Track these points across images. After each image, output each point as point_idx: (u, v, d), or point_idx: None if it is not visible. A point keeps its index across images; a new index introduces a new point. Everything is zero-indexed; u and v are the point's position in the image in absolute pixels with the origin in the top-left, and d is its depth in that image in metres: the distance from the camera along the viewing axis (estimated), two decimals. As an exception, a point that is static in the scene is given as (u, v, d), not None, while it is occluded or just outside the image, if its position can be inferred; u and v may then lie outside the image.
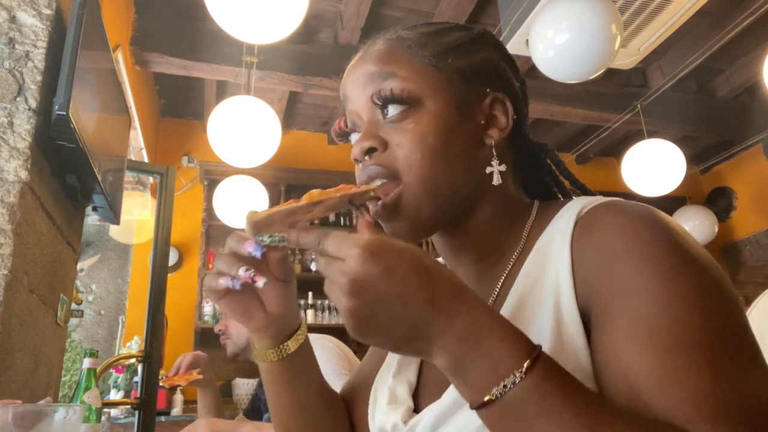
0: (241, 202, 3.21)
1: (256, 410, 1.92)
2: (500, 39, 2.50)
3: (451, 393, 0.54)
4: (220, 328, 1.85)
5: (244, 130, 2.50)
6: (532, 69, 2.43)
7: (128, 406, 2.59)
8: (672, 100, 3.72)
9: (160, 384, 1.84)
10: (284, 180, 4.01)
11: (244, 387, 3.52)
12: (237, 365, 3.62)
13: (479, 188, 0.60)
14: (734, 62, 3.74)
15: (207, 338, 3.64)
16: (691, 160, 4.47)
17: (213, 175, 3.84)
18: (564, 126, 4.32)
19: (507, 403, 0.41)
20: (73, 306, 2.27)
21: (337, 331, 3.19)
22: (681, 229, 0.50)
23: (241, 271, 0.54)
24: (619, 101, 3.68)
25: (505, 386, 0.41)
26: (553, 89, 3.45)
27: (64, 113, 1.23)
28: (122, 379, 3.15)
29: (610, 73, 3.50)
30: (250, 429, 1.44)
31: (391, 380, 0.66)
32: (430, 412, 0.56)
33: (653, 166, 3.38)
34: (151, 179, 3.77)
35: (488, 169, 0.60)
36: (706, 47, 3.11)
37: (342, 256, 0.45)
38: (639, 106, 3.60)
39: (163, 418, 3.00)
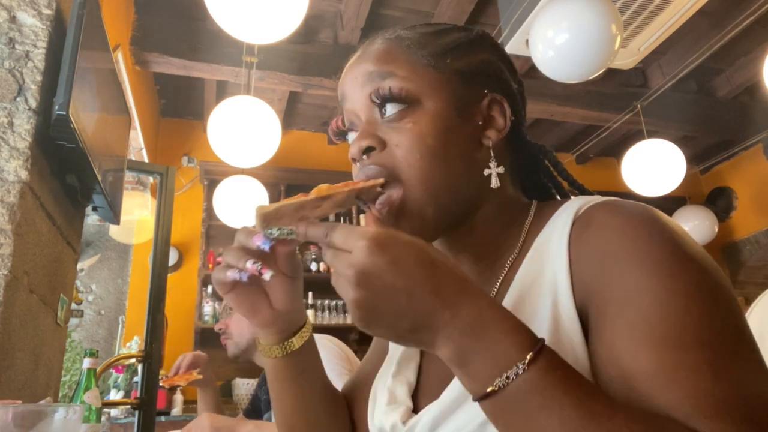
0: (241, 202, 3.21)
1: (256, 410, 1.92)
2: (500, 39, 2.51)
3: (450, 393, 0.55)
4: (220, 326, 1.85)
5: (244, 130, 2.50)
6: (532, 69, 2.43)
7: (128, 406, 2.59)
8: (672, 100, 3.73)
9: (160, 384, 1.84)
10: (284, 180, 4.01)
11: (244, 387, 3.52)
12: (237, 365, 3.62)
13: (478, 189, 0.60)
14: (734, 62, 3.74)
15: (207, 338, 3.64)
16: (691, 160, 4.47)
17: (213, 175, 3.84)
18: (564, 126, 4.32)
19: (509, 395, 0.41)
20: (73, 306, 2.27)
21: (337, 331, 3.20)
22: (679, 228, 0.50)
23: (249, 264, 0.55)
24: (619, 101, 3.68)
25: (507, 377, 0.41)
26: (553, 89, 3.45)
27: (64, 113, 1.23)
28: (122, 379, 3.15)
29: (610, 73, 3.50)
30: (250, 428, 1.44)
31: (391, 381, 0.66)
32: (429, 412, 0.56)
33: (653, 166, 3.38)
34: (151, 179, 3.77)
35: (486, 171, 0.60)
36: (706, 47, 3.11)
37: (349, 248, 0.45)
38: (639, 106, 3.60)
39: (163, 418, 3.00)
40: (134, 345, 3.26)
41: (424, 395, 0.63)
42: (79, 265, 2.41)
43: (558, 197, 0.69)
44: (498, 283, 0.60)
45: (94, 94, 1.49)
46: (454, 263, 0.47)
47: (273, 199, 3.57)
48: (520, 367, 0.41)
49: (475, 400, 0.44)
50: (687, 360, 0.42)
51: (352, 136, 0.65)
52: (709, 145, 4.72)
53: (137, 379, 2.78)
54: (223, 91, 3.77)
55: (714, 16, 3.05)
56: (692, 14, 2.34)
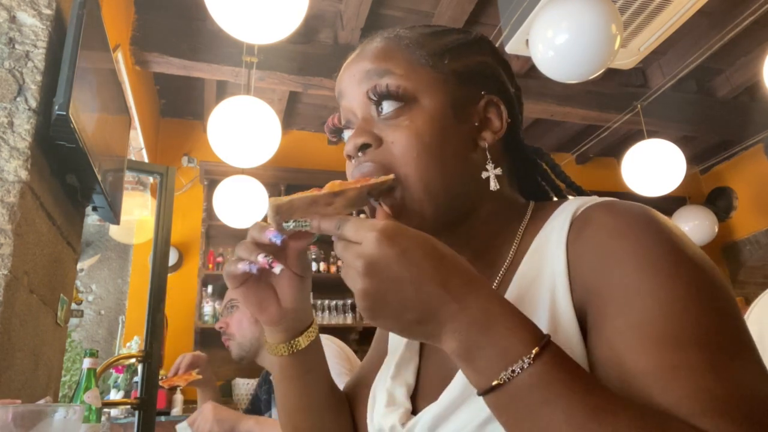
0: (241, 202, 3.21)
1: (256, 410, 1.92)
2: (500, 39, 2.51)
3: (449, 394, 0.55)
4: (221, 325, 1.85)
5: (244, 130, 2.50)
6: (532, 69, 2.44)
7: (128, 406, 2.59)
8: (672, 100, 3.73)
9: (159, 384, 1.84)
10: (284, 180, 4.01)
11: (244, 387, 3.53)
12: (237, 365, 3.61)
13: (474, 190, 0.61)
14: (734, 62, 3.74)
15: (207, 338, 3.64)
16: (691, 160, 4.47)
17: (213, 175, 3.84)
18: (564, 126, 4.32)
19: (514, 389, 0.42)
20: (73, 306, 2.27)
21: (337, 331, 3.20)
22: (676, 228, 0.51)
23: (260, 258, 0.55)
24: (619, 101, 3.68)
25: (513, 371, 0.41)
26: (553, 89, 3.45)
27: (64, 113, 1.23)
28: (122, 379, 3.15)
29: (610, 73, 3.50)
30: (251, 423, 1.44)
31: (389, 382, 0.66)
32: (428, 413, 0.56)
33: (653, 166, 3.38)
34: (151, 179, 3.77)
35: (484, 174, 0.60)
36: (706, 47, 3.11)
37: (359, 240, 0.46)
38: (639, 106, 3.60)
39: (163, 418, 3.01)
40: (134, 345, 3.26)
41: (422, 397, 0.63)
42: (79, 265, 2.41)
43: (555, 198, 0.69)
44: (496, 283, 0.61)
45: (94, 94, 1.49)
46: (462, 258, 0.47)
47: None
48: (526, 361, 0.41)
49: (479, 394, 0.44)
50: (686, 360, 0.42)
51: (347, 134, 0.65)
52: (709, 145, 4.72)
53: (137, 379, 2.78)
54: (223, 91, 3.77)
55: (714, 16, 3.05)
56: (692, 14, 2.34)
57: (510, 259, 0.61)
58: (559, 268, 0.52)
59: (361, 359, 0.90)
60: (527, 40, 2.23)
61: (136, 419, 1.79)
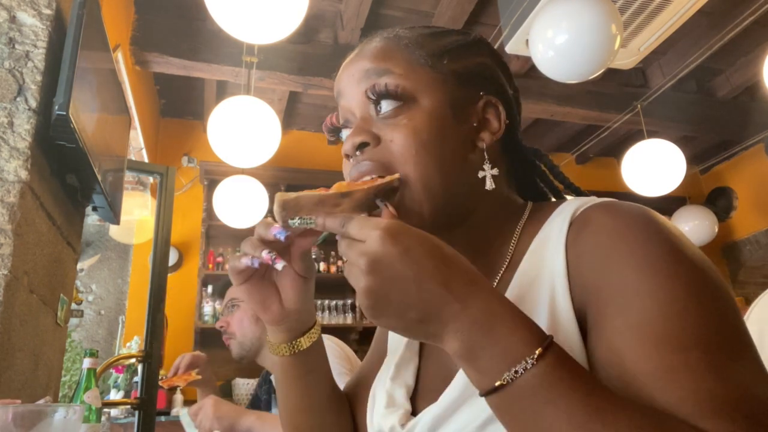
0: (241, 202, 3.21)
1: (256, 410, 1.92)
2: (500, 39, 2.51)
3: (449, 395, 0.55)
4: (221, 324, 1.85)
5: (244, 130, 2.50)
6: (532, 69, 2.44)
7: (128, 406, 2.59)
8: (672, 100, 3.72)
9: (159, 384, 1.84)
10: (284, 180, 4.01)
11: (244, 387, 3.52)
12: (237, 365, 3.62)
13: (472, 190, 0.61)
14: (734, 62, 3.74)
15: (207, 338, 3.64)
16: (691, 160, 4.47)
17: (213, 175, 3.84)
18: (564, 126, 4.32)
19: (517, 389, 0.41)
20: (73, 306, 2.27)
21: (337, 331, 3.20)
22: (675, 229, 0.51)
23: (264, 253, 0.56)
24: (619, 101, 3.68)
25: (516, 372, 0.41)
26: (553, 89, 3.45)
27: (64, 113, 1.23)
28: (122, 379, 3.15)
29: (610, 73, 3.50)
30: (252, 419, 1.44)
31: (389, 383, 0.66)
32: (428, 414, 0.56)
33: (653, 166, 3.38)
34: (151, 179, 3.77)
35: (481, 173, 0.60)
36: (706, 47, 3.11)
37: (363, 238, 0.46)
38: (639, 106, 3.60)
39: (163, 418, 3.01)
40: (134, 345, 3.26)
41: (422, 398, 0.63)
42: (79, 265, 2.41)
43: (553, 199, 0.69)
44: (495, 284, 0.61)
45: (94, 94, 1.49)
46: (465, 259, 0.47)
47: (273, 199, 3.57)
48: (529, 361, 0.41)
49: (482, 395, 0.44)
50: (687, 360, 0.42)
51: (346, 133, 0.65)
52: (709, 145, 4.72)
53: (137, 379, 2.78)
54: (223, 91, 3.77)
55: (714, 16, 3.05)
56: (692, 14, 2.34)
57: (508, 259, 0.61)
58: (558, 268, 0.52)
59: (361, 359, 0.90)
60: (527, 40, 2.23)
61: (136, 419, 1.79)
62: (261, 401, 1.91)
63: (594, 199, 0.56)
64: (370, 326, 3.74)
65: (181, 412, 1.64)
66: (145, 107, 3.50)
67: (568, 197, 0.66)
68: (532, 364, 0.41)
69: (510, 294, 0.56)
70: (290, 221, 0.53)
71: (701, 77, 3.87)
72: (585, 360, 0.48)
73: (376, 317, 0.46)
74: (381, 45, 0.62)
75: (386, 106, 0.59)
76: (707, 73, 3.82)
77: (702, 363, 0.42)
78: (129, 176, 3.28)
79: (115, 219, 1.74)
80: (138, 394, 1.82)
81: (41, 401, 1.07)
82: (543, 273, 0.54)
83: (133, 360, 2.64)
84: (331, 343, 1.72)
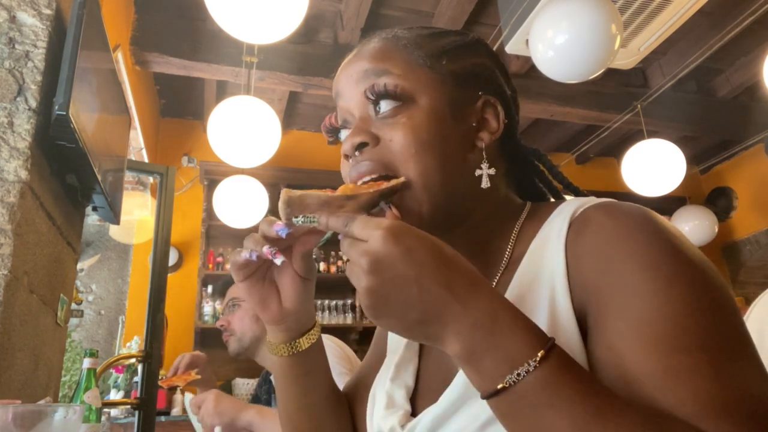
0: (241, 202, 3.21)
1: (257, 405, 1.92)
2: (500, 39, 2.51)
3: (449, 396, 0.55)
4: (222, 323, 1.85)
5: (244, 130, 2.50)
6: (532, 69, 2.44)
7: (128, 406, 2.59)
8: (672, 100, 3.73)
9: (159, 384, 1.84)
10: (284, 180, 4.01)
11: (244, 387, 3.52)
12: (237, 365, 3.63)
13: (472, 190, 0.61)
14: (734, 62, 3.74)
15: (207, 338, 3.64)
16: (691, 160, 4.47)
17: (213, 175, 3.84)
18: (564, 126, 4.32)
19: (519, 392, 0.41)
20: (73, 306, 2.27)
21: (337, 331, 3.20)
22: (674, 229, 0.51)
23: (265, 248, 0.56)
24: (619, 101, 3.68)
25: (518, 374, 0.41)
26: (553, 89, 3.45)
27: (64, 113, 1.23)
28: (122, 379, 3.15)
29: (610, 73, 3.50)
30: (253, 413, 1.44)
31: (389, 384, 0.66)
32: (428, 415, 0.56)
33: (653, 166, 3.38)
34: (151, 179, 3.77)
35: (477, 172, 0.60)
36: (706, 47, 3.11)
37: (365, 237, 0.46)
38: (639, 106, 3.60)
39: (163, 418, 3.01)
40: (134, 345, 3.26)
41: (422, 399, 0.63)
42: (79, 265, 2.41)
43: (552, 199, 0.69)
44: (493, 284, 0.61)
45: (94, 94, 1.49)
46: (467, 261, 0.47)
47: (273, 199, 3.57)
48: (532, 364, 0.41)
49: (483, 397, 0.43)
50: (688, 362, 0.42)
51: (344, 134, 0.65)
52: (709, 145, 4.72)
53: (137, 379, 2.78)
54: (223, 91, 3.77)
55: (714, 16, 3.05)
56: (692, 14, 2.34)
57: (506, 259, 0.61)
58: (558, 269, 0.52)
59: (361, 359, 0.90)
60: (527, 40, 2.23)
61: (136, 419, 1.79)
62: (261, 401, 1.91)
63: (593, 200, 0.56)
64: (370, 326, 3.75)
65: (187, 397, 1.64)
66: (145, 107, 3.50)
67: (567, 197, 0.66)
68: (535, 367, 0.41)
69: (510, 294, 0.56)
70: (294, 219, 0.53)
71: (701, 77, 3.87)
72: (585, 360, 0.48)
73: (376, 317, 0.46)
74: (380, 45, 0.62)
75: (385, 106, 0.59)
76: (707, 73, 3.82)
77: (702, 364, 0.42)
78: (129, 176, 3.28)
79: (115, 219, 1.74)
80: (138, 394, 1.82)
81: (41, 401, 1.07)
82: (543, 273, 0.54)
83: (133, 360, 2.64)
84: (331, 343, 1.72)
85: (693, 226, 4.33)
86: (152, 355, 1.80)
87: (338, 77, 0.65)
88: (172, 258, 3.81)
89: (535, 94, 3.49)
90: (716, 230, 4.41)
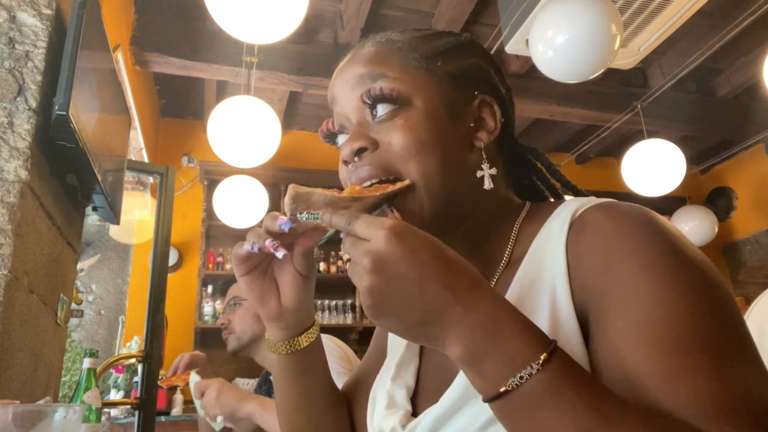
0: (241, 202, 3.21)
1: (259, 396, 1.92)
2: (500, 39, 2.51)
3: (450, 396, 0.54)
4: (222, 322, 1.85)
5: (244, 130, 2.50)
6: (532, 69, 2.44)
7: (128, 406, 2.59)
8: (672, 100, 3.73)
9: (158, 384, 1.84)
10: (284, 180, 4.01)
11: (244, 387, 3.52)
12: (237, 365, 3.63)
13: (472, 191, 0.61)
14: (734, 62, 3.74)
15: (207, 338, 3.64)
16: (691, 160, 4.47)
17: (213, 175, 3.84)
18: (564, 126, 4.32)
19: (522, 395, 0.41)
20: (73, 306, 2.27)
21: (337, 331, 3.20)
22: (675, 229, 0.51)
23: (268, 242, 0.56)
24: (619, 101, 3.68)
25: (521, 377, 0.41)
26: (553, 89, 3.45)
27: (64, 113, 1.23)
28: (122, 379, 3.15)
29: (610, 73, 3.50)
30: (254, 405, 1.44)
31: (390, 384, 0.66)
32: (429, 415, 0.56)
33: (653, 166, 3.38)
34: (151, 179, 3.77)
35: (479, 173, 0.60)
36: (706, 47, 3.11)
37: (368, 237, 0.46)
38: (639, 106, 3.60)
39: (163, 418, 3.01)
40: (134, 345, 3.26)
41: (423, 399, 0.63)
42: (79, 265, 2.41)
43: (551, 199, 0.69)
44: (492, 284, 0.61)
45: (94, 94, 1.49)
46: (469, 264, 0.47)
47: (273, 199, 3.58)
48: (535, 367, 0.41)
49: (485, 400, 0.43)
50: (690, 362, 0.42)
51: (342, 139, 0.65)
52: (709, 145, 4.72)
53: (137, 379, 2.78)
54: (223, 91, 3.77)
55: (714, 16, 3.05)
56: (692, 14, 2.34)
57: (506, 259, 0.61)
58: (558, 269, 0.52)
59: (360, 359, 0.90)
60: (527, 40, 2.23)
61: (136, 419, 1.79)
62: (261, 401, 1.91)
63: (593, 200, 0.56)
64: (370, 326, 3.74)
65: (193, 378, 1.64)
66: (145, 107, 3.50)
67: (566, 197, 0.66)
68: (538, 370, 0.41)
69: (510, 295, 0.56)
70: (299, 215, 0.53)
71: (701, 77, 3.87)
72: (586, 361, 0.48)
73: (377, 317, 0.46)
74: (374, 50, 0.62)
75: (382, 109, 0.59)
76: (707, 73, 3.83)
77: (704, 365, 0.42)
78: (129, 176, 3.28)
79: (115, 219, 1.74)
80: (138, 394, 1.82)
81: (41, 401, 1.07)
82: (543, 274, 0.54)
83: (133, 360, 2.64)
84: (330, 342, 1.72)
85: (693, 226, 4.33)
86: (152, 355, 1.80)
87: (333, 83, 0.65)
88: (172, 258, 3.82)
89: (535, 94, 3.49)
90: (716, 230, 4.41)
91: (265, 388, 1.91)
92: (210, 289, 3.77)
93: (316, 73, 3.20)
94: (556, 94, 3.53)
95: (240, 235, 0.61)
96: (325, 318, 3.93)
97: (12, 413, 0.56)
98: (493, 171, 0.61)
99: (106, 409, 2.75)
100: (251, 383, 3.48)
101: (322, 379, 0.70)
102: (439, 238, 0.49)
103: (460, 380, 0.54)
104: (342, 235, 0.50)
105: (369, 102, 0.60)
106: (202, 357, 1.87)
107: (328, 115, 0.66)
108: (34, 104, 1.28)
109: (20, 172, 1.23)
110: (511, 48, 2.45)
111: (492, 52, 2.88)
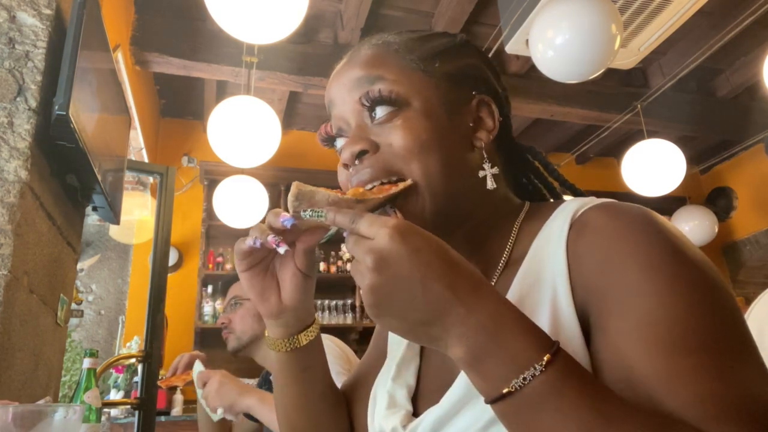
0: (241, 202, 3.21)
1: (259, 390, 1.92)
2: (500, 39, 2.50)
3: (451, 397, 0.54)
4: (223, 321, 1.85)
5: (244, 130, 2.50)
6: (532, 69, 2.43)
7: (128, 406, 2.59)
8: (672, 100, 3.73)
9: (158, 384, 1.84)
10: (284, 180, 4.01)
11: (244, 387, 3.52)
12: (237, 365, 3.62)
13: (473, 190, 0.61)
14: (734, 62, 3.74)
15: (207, 338, 3.64)
16: (691, 160, 4.47)
17: (213, 175, 3.84)
18: (564, 126, 4.32)
19: (525, 397, 0.41)
20: (73, 306, 2.27)
21: (337, 331, 3.20)
22: (675, 229, 0.51)
23: (270, 237, 0.56)
24: (619, 101, 3.68)
25: (524, 379, 0.41)
26: (553, 89, 3.45)
27: (64, 113, 1.23)
28: (122, 379, 3.15)
29: (610, 73, 3.50)
30: (253, 399, 1.44)
31: (390, 384, 0.66)
32: (430, 416, 0.56)
33: (653, 166, 3.38)
34: (151, 179, 3.77)
35: (481, 173, 0.60)
36: (706, 47, 3.11)
37: (371, 235, 0.46)
38: (639, 106, 3.60)
39: (163, 418, 3.01)
40: (134, 345, 3.26)
41: (424, 399, 0.63)
42: (79, 265, 2.41)
43: (550, 198, 0.69)
44: (492, 284, 0.60)
45: (94, 94, 1.49)
46: (472, 265, 0.47)
47: (273, 199, 3.58)
48: (538, 368, 0.41)
49: (488, 402, 0.43)
50: (692, 363, 0.42)
51: (340, 142, 0.65)
52: (709, 145, 4.72)
53: (137, 379, 2.78)
54: (223, 91, 3.77)
55: (714, 16, 3.05)
56: (692, 14, 2.34)
57: (505, 259, 0.61)
58: (559, 269, 0.52)
59: (360, 359, 0.90)
60: (527, 40, 2.23)
61: (136, 419, 1.79)
62: (261, 401, 1.91)
63: (594, 200, 0.56)
64: (370, 326, 3.75)
65: (197, 367, 1.64)
66: (145, 107, 3.50)
67: (565, 197, 0.66)
68: (541, 371, 0.41)
69: (511, 296, 0.56)
70: (302, 213, 0.53)
71: (701, 77, 3.87)
72: (588, 361, 0.48)
73: (379, 316, 0.45)
74: (371, 52, 0.62)
75: (381, 112, 0.59)
76: (707, 73, 3.83)
77: (706, 366, 0.42)
78: (129, 176, 3.28)
79: (115, 219, 1.74)
80: (138, 394, 1.82)
81: (41, 401, 1.07)
82: (544, 274, 0.54)
83: (133, 360, 2.64)
84: (330, 342, 1.72)
85: (693, 226, 4.34)
86: (152, 355, 1.80)
87: (330, 86, 0.65)
88: (172, 258, 3.82)
89: (535, 94, 3.49)
90: (716, 230, 4.41)
91: (265, 388, 1.91)
92: (210, 289, 3.77)
93: (316, 73, 3.20)
94: (556, 94, 3.53)
95: (240, 235, 0.61)
96: (325, 318, 3.93)
97: (12, 413, 0.56)
98: (495, 170, 0.61)
99: (106, 409, 2.75)
100: (251, 383, 3.47)
101: (322, 378, 0.70)
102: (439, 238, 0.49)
103: (461, 380, 0.54)
104: (345, 234, 0.50)
105: (367, 104, 0.60)
106: (201, 357, 1.87)
107: (328, 116, 0.66)
108: (34, 104, 1.28)
109: (20, 172, 1.23)
110: (511, 48, 2.45)
111: (492, 52, 2.86)
